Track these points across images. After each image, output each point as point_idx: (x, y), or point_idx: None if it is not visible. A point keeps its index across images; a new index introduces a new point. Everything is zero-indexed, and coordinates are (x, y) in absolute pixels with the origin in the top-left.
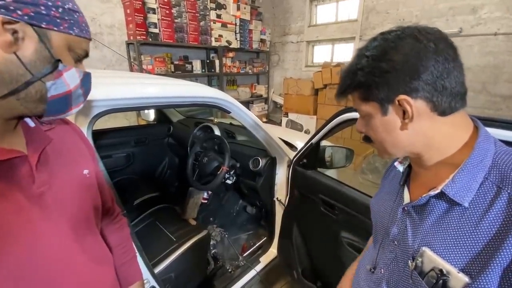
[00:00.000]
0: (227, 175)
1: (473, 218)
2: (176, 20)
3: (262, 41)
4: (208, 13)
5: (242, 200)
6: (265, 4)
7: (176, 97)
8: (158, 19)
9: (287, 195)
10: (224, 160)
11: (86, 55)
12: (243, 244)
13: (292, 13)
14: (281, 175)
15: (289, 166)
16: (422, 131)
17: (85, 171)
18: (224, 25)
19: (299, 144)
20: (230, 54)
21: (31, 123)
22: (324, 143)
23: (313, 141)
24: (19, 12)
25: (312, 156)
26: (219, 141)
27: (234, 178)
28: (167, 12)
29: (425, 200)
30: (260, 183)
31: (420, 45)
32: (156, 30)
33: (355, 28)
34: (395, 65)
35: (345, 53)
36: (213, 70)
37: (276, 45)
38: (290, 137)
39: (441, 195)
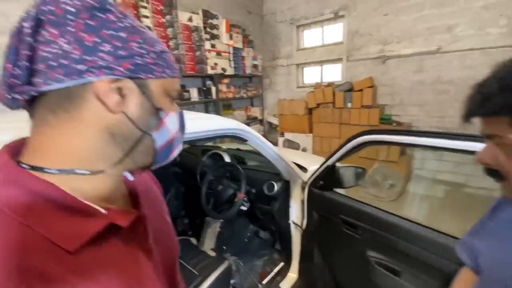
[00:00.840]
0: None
1: None
2: (173, 52)
3: (255, 66)
4: (203, 44)
5: (252, 225)
6: (254, 32)
7: (201, 131)
8: None
9: (303, 217)
10: (240, 187)
11: (178, 94)
12: (260, 272)
13: (280, 39)
14: (296, 198)
15: (303, 188)
16: None
17: (166, 217)
18: (218, 53)
19: (304, 164)
20: (225, 80)
21: (129, 176)
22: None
23: (329, 162)
24: (120, 69)
25: (329, 177)
26: (231, 168)
27: (248, 204)
28: (165, 45)
29: None
30: (276, 207)
31: None
32: None
33: (341, 50)
34: None
35: (333, 73)
36: (209, 97)
37: (267, 69)
38: (295, 158)
39: None
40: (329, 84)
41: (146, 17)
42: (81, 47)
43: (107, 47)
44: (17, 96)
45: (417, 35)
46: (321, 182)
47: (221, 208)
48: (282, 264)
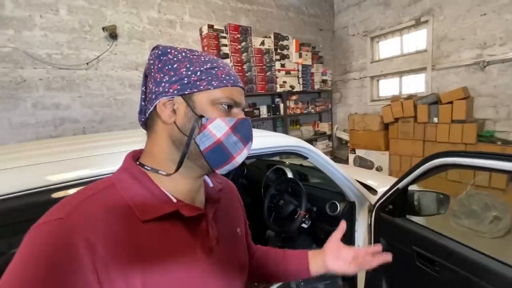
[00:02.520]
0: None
1: None
2: (246, 74)
3: (324, 81)
4: (273, 64)
5: (315, 245)
6: (325, 47)
7: (264, 148)
8: None
9: (370, 243)
10: (300, 204)
11: (237, 102)
12: None
13: (352, 52)
14: (362, 221)
15: (370, 212)
16: None
17: (238, 229)
18: (287, 72)
19: (374, 185)
20: (294, 97)
21: (210, 182)
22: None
23: (400, 185)
24: (171, 90)
25: (400, 202)
26: (293, 184)
27: (310, 222)
28: (240, 68)
29: None
30: None
31: None
32: None
33: (425, 58)
34: None
35: (415, 85)
36: (278, 113)
37: (337, 83)
38: (365, 178)
39: None
40: (410, 97)
41: (225, 45)
42: (155, 83)
43: (166, 78)
44: (141, 122)
45: None
46: (390, 207)
47: (282, 223)
48: None
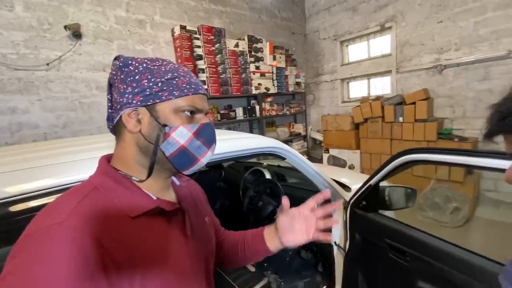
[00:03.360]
0: None
1: None
2: (221, 76)
3: (297, 83)
4: (248, 66)
5: None
6: (298, 50)
7: (242, 150)
8: (206, 77)
9: (346, 239)
10: (279, 204)
11: (199, 109)
12: None
13: (324, 56)
14: (337, 218)
15: (345, 208)
16: None
17: (206, 219)
18: (262, 74)
19: (348, 182)
20: (269, 99)
21: (177, 181)
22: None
23: (372, 182)
24: (134, 101)
25: (372, 198)
26: (271, 185)
27: None
28: (214, 70)
29: None
30: None
31: None
32: (205, 86)
33: (390, 62)
34: None
35: (382, 86)
36: (254, 115)
37: (310, 86)
38: (339, 176)
39: None
40: (377, 98)
41: (199, 47)
42: (119, 94)
43: (129, 89)
44: (109, 128)
45: (480, 40)
46: (364, 203)
47: (261, 224)
48: (324, 287)
